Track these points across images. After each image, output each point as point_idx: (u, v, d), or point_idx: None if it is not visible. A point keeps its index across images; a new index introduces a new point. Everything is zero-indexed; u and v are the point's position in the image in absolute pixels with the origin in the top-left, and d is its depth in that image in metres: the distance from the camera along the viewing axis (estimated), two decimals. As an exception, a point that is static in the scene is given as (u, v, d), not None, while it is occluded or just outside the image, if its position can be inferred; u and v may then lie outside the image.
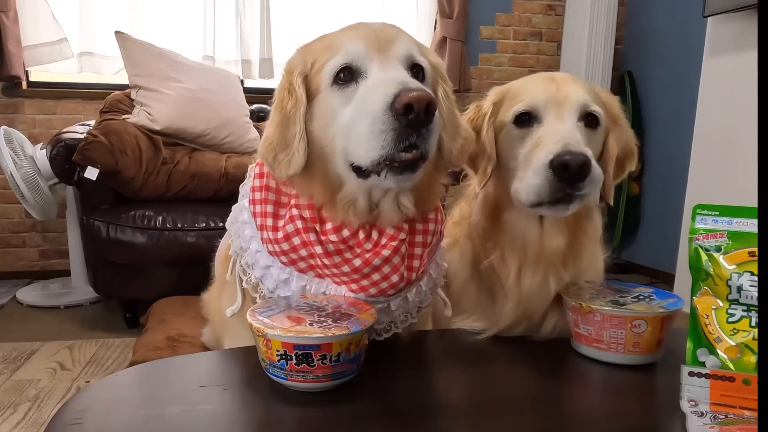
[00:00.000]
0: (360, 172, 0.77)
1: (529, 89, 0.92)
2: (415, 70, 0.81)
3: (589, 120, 0.90)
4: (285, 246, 0.85)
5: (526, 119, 0.91)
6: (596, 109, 0.91)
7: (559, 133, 0.85)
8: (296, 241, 0.84)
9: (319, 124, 0.81)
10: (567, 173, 0.80)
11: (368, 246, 0.83)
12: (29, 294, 2.95)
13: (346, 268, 0.83)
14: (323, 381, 0.70)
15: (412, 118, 0.69)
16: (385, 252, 0.82)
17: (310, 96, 0.82)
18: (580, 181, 0.81)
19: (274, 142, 0.81)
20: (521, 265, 0.94)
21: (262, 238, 0.88)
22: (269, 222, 0.87)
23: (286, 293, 0.86)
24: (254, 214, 0.89)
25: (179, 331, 1.69)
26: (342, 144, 0.78)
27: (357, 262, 0.82)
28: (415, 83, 0.73)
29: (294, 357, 0.68)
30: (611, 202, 0.97)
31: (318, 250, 0.83)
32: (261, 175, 0.89)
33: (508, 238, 0.95)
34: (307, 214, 0.84)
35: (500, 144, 0.95)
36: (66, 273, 3.09)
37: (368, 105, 0.73)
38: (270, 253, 0.87)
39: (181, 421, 0.65)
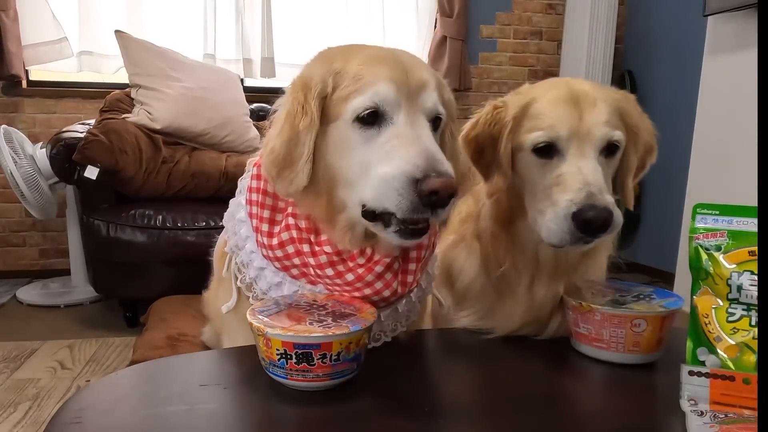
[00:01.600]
0: (368, 214, 0.76)
1: (551, 115, 0.87)
2: (435, 120, 0.80)
3: (610, 149, 0.88)
4: (279, 253, 0.85)
5: (546, 149, 0.87)
6: (617, 137, 0.87)
7: (582, 176, 0.82)
8: (290, 249, 0.84)
9: (333, 152, 0.78)
10: (589, 227, 0.79)
11: (361, 261, 0.82)
12: (29, 293, 2.95)
13: (338, 281, 0.83)
14: (323, 380, 0.70)
15: (434, 200, 0.69)
16: (378, 268, 0.82)
17: (326, 118, 0.78)
18: (601, 234, 0.81)
19: (280, 157, 0.78)
20: (534, 275, 0.93)
21: (257, 240, 0.88)
22: (264, 227, 0.87)
23: (279, 296, 0.86)
24: (250, 215, 0.89)
25: (179, 330, 1.69)
26: (355, 179, 0.76)
27: (349, 276, 0.82)
28: (443, 165, 0.71)
29: (294, 356, 0.68)
30: (631, 207, 0.95)
31: (311, 261, 0.83)
32: (259, 177, 0.88)
33: (520, 248, 0.94)
34: (303, 224, 0.84)
35: (517, 163, 0.92)
36: (66, 272, 3.08)
37: (392, 164, 0.71)
38: (264, 256, 0.87)
39: (181, 420, 0.65)
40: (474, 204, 1.02)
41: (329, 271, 0.83)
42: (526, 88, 0.95)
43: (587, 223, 0.79)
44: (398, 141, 0.73)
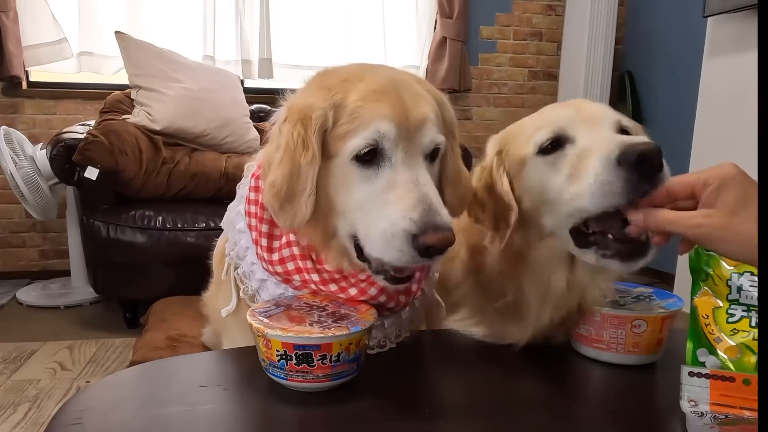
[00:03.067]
0: (357, 248, 0.77)
1: (545, 119, 0.83)
2: (433, 152, 0.80)
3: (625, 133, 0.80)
4: (279, 269, 0.85)
5: (554, 145, 0.80)
6: (628, 123, 0.82)
7: (608, 138, 0.73)
8: (290, 266, 0.84)
9: (332, 187, 0.78)
10: (643, 167, 0.66)
11: (363, 276, 0.82)
12: (29, 294, 2.95)
13: (342, 296, 0.83)
14: (323, 381, 0.70)
15: (431, 252, 0.70)
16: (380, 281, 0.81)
17: (326, 153, 0.77)
18: (658, 172, 0.67)
19: (282, 192, 0.76)
20: (542, 302, 0.87)
21: (257, 253, 0.88)
22: (263, 242, 0.87)
23: None
24: (250, 227, 0.89)
25: (179, 331, 1.69)
26: (351, 214, 0.77)
27: (353, 291, 0.82)
28: (440, 216, 0.71)
29: (294, 357, 0.68)
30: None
31: (315, 277, 0.83)
32: (257, 189, 0.86)
33: (529, 277, 0.88)
34: (304, 241, 0.84)
35: (521, 185, 0.86)
36: (66, 273, 3.08)
37: (390, 219, 0.71)
38: (265, 269, 0.88)
39: (181, 421, 0.65)
40: (465, 217, 0.96)
41: (333, 287, 0.83)
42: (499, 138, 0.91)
43: (641, 158, 0.66)
44: (395, 193, 0.72)
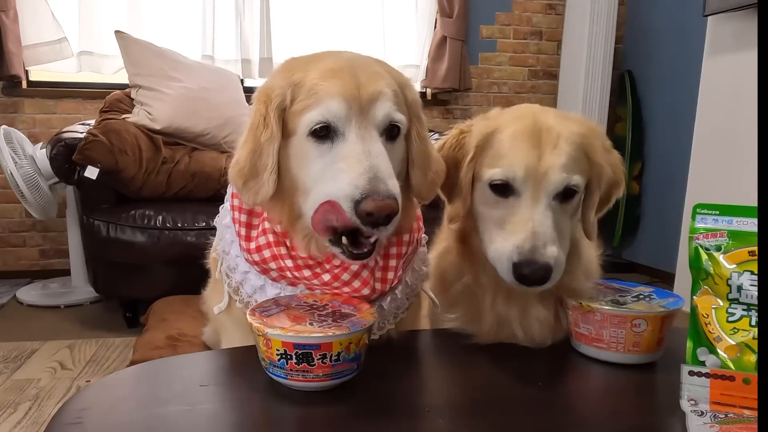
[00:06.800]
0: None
1: (510, 152, 0.86)
2: (391, 128, 0.81)
3: (566, 193, 0.86)
4: (256, 257, 0.86)
5: (502, 186, 0.86)
6: (575, 182, 0.85)
7: (531, 224, 0.82)
8: (267, 254, 0.85)
9: (294, 164, 0.81)
10: (525, 281, 0.81)
11: (337, 262, 0.83)
12: (29, 293, 2.95)
13: (315, 282, 0.84)
14: (323, 380, 0.70)
15: (371, 220, 0.71)
16: (354, 267, 0.83)
17: (287, 131, 0.80)
18: (540, 285, 0.81)
19: (245, 169, 0.80)
20: (495, 293, 0.92)
21: (240, 245, 0.89)
22: (243, 231, 0.88)
23: (263, 299, 0.87)
24: (233, 220, 0.90)
25: (179, 330, 1.69)
26: (311, 191, 0.78)
27: (326, 277, 0.83)
28: (384, 185, 0.72)
29: (294, 356, 0.68)
30: (593, 240, 0.94)
31: (289, 263, 0.84)
32: None
33: (482, 266, 0.93)
34: (278, 228, 0.85)
35: (475, 193, 0.91)
36: (66, 272, 3.08)
37: (336, 186, 0.73)
38: (246, 260, 0.88)
39: (181, 420, 0.65)
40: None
41: (306, 273, 0.84)
42: (494, 114, 0.93)
43: (524, 277, 0.80)
44: (345, 162, 0.74)
